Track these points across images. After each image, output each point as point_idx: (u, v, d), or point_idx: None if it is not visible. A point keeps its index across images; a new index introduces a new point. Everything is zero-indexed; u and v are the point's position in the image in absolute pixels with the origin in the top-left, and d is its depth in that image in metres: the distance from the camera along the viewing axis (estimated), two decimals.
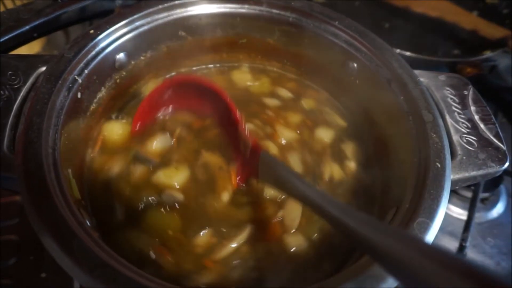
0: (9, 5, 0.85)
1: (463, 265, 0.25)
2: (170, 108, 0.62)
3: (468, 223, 0.63)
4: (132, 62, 0.62)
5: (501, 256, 0.70)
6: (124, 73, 0.62)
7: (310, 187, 0.41)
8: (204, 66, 0.72)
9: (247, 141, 0.53)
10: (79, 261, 0.35)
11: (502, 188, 0.78)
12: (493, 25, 0.95)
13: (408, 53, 0.82)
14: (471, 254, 0.69)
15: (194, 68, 0.72)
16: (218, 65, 0.73)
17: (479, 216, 0.75)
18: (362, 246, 0.33)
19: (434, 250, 0.27)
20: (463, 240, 0.65)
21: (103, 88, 0.58)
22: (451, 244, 0.68)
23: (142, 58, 0.63)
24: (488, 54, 0.89)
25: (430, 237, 0.40)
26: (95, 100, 0.57)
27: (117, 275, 0.35)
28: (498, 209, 0.77)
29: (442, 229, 0.42)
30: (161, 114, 0.62)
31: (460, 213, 0.74)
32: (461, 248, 0.60)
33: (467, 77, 0.59)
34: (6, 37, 0.56)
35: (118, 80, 0.61)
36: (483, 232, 0.73)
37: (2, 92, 0.48)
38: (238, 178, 0.55)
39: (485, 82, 0.88)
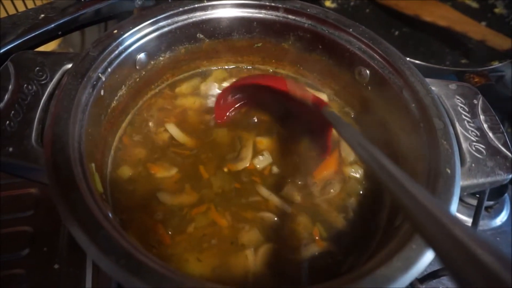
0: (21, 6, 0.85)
1: None
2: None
3: None
4: (152, 62, 0.64)
5: None
6: (144, 72, 0.64)
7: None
8: (217, 68, 0.74)
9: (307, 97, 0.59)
10: (105, 251, 0.37)
11: (507, 196, 0.80)
12: (501, 36, 0.96)
13: (417, 61, 0.84)
14: None
15: (212, 68, 0.74)
16: (232, 66, 0.75)
17: (483, 224, 0.76)
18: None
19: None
20: None
21: (123, 86, 0.60)
22: None
23: (161, 58, 0.65)
24: (496, 64, 0.91)
25: None
26: (116, 98, 0.59)
27: (141, 265, 0.36)
28: (502, 217, 0.78)
29: None
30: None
31: (465, 220, 0.75)
32: None
33: (475, 87, 0.61)
34: (33, 34, 0.58)
35: (137, 79, 0.63)
36: None
37: (30, 87, 0.50)
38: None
39: (493, 92, 0.89)
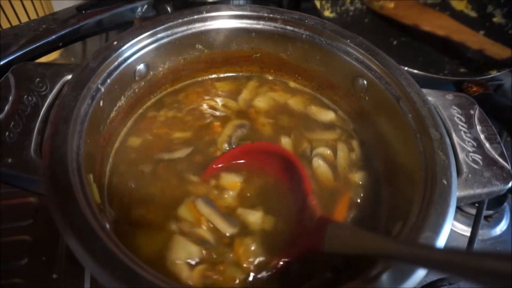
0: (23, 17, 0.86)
1: None
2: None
3: (471, 240, 0.64)
4: (151, 73, 0.65)
5: None
6: (143, 83, 0.64)
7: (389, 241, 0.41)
8: (215, 76, 0.75)
9: (314, 212, 0.51)
10: (101, 262, 0.37)
11: (506, 206, 0.80)
12: (499, 45, 0.97)
13: (415, 71, 0.85)
14: None
15: (209, 77, 0.75)
16: (231, 74, 0.76)
17: (482, 233, 0.76)
18: None
19: None
20: None
21: (122, 97, 0.61)
22: None
23: (160, 69, 0.66)
24: (494, 73, 0.91)
25: None
26: (115, 108, 0.59)
27: (137, 278, 0.36)
28: (502, 227, 0.78)
29: (446, 245, 0.43)
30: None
31: (464, 230, 0.75)
32: None
33: (473, 96, 0.61)
34: (34, 45, 0.59)
35: (136, 90, 0.64)
36: (486, 248, 0.74)
37: (30, 98, 0.51)
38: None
39: (491, 101, 0.89)
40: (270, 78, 0.76)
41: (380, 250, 0.39)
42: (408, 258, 0.37)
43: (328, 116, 0.70)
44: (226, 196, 0.56)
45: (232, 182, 0.57)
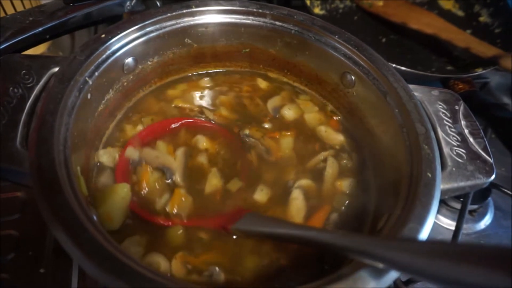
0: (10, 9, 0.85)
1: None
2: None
3: (456, 233, 0.66)
4: (140, 67, 0.64)
5: None
6: (131, 77, 0.64)
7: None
8: (205, 72, 0.75)
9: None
10: (89, 254, 0.37)
11: (490, 200, 0.81)
12: (485, 44, 0.99)
13: (403, 68, 0.86)
14: None
15: (199, 73, 0.75)
16: (220, 70, 0.76)
17: (467, 227, 0.77)
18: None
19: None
20: None
21: (111, 90, 0.60)
22: None
23: (149, 63, 0.66)
24: (479, 71, 0.93)
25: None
26: (103, 102, 0.59)
27: (125, 268, 0.36)
28: (486, 221, 0.80)
29: (431, 238, 0.44)
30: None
31: (449, 224, 0.77)
32: None
33: (459, 93, 0.63)
34: (20, 37, 0.58)
35: (125, 83, 0.63)
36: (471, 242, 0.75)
37: (16, 90, 0.50)
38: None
39: (477, 98, 0.91)
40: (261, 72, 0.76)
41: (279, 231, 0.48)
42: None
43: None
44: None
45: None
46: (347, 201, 0.59)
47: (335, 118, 0.70)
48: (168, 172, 0.58)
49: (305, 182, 0.60)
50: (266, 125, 0.67)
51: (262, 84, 0.74)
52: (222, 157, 0.62)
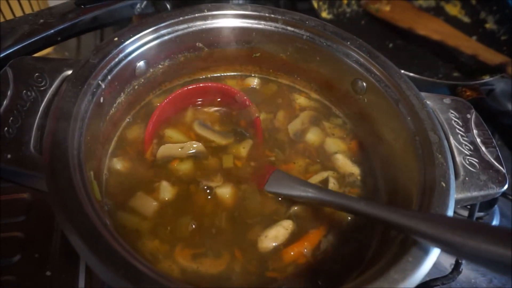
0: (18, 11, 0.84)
1: None
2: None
3: None
4: (151, 70, 0.64)
5: (494, 274, 0.73)
6: (142, 80, 0.64)
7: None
8: (218, 75, 0.75)
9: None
10: (105, 260, 0.37)
11: (496, 208, 0.81)
12: (492, 51, 0.99)
13: (411, 74, 0.86)
14: (466, 270, 0.72)
15: (208, 76, 0.75)
16: (231, 74, 0.76)
17: None
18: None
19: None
20: None
21: (122, 93, 0.60)
22: (447, 261, 0.71)
23: (160, 66, 0.66)
24: (487, 78, 0.93)
25: (434, 253, 0.42)
26: (115, 105, 0.59)
27: (140, 275, 0.36)
28: None
29: None
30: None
31: None
32: (457, 264, 0.63)
33: (467, 100, 0.62)
34: (33, 40, 0.58)
35: (136, 87, 0.63)
36: None
37: (29, 93, 0.50)
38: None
39: (483, 105, 0.91)
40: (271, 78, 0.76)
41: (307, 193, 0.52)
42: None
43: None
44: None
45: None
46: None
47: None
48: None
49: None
50: None
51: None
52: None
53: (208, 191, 0.57)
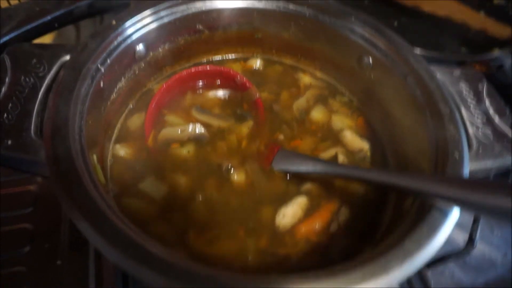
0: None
1: None
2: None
3: (477, 216, 0.64)
4: (151, 54, 0.63)
5: (508, 248, 0.72)
6: (143, 65, 0.63)
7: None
8: (219, 57, 0.74)
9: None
10: (112, 240, 0.36)
11: None
12: (500, 25, 0.96)
13: (417, 51, 0.83)
14: (479, 245, 0.70)
15: (210, 59, 0.73)
16: (233, 56, 0.74)
17: None
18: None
19: None
20: (472, 232, 0.66)
21: (123, 78, 0.59)
22: (461, 236, 0.69)
23: (160, 50, 0.64)
24: (496, 52, 0.90)
25: (449, 223, 0.41)
26: (116, 90, 0.58)
27: (149, 255, 0.35)
28: None
29: None
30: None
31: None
32: (471, 239, 0.62)
33: None
34: (30, 26, 0.57)
35: (137, 71, 0.62)
36: (490, 224, 0.74)
37: (27, 79, 0.49)
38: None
39: (493, 80, 0.89)
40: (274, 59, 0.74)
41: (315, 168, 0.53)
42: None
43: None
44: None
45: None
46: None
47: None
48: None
49: None
50: None
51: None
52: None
53: (218, 172, 0.57)
